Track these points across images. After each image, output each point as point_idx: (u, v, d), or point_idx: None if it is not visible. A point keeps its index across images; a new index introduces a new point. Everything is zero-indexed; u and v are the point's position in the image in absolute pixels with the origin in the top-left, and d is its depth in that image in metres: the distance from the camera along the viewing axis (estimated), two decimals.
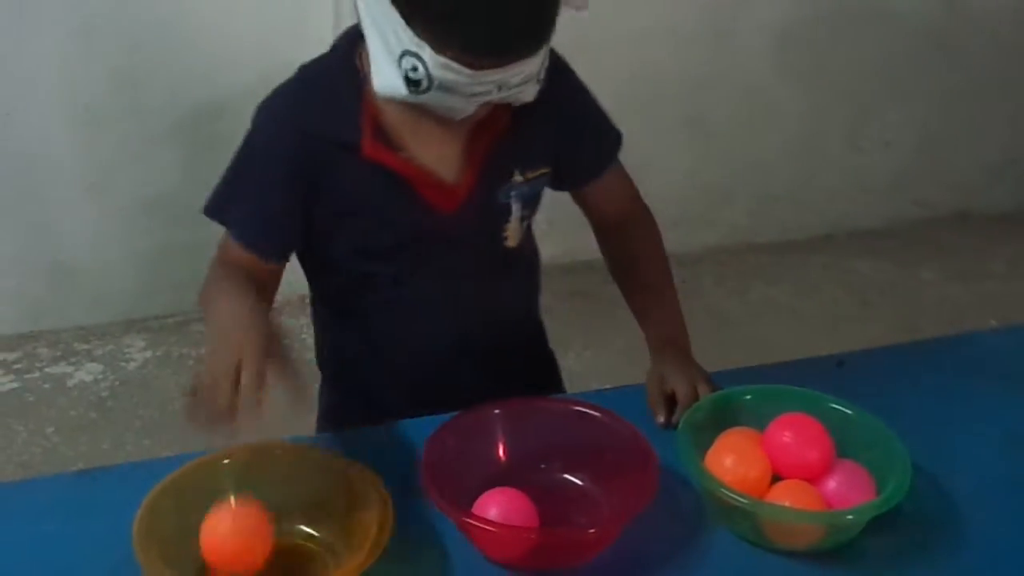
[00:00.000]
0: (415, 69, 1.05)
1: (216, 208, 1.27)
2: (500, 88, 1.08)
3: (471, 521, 1.02)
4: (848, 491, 1.07)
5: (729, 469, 1.08)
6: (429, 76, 1.05)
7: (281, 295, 3.31)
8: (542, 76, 1.12)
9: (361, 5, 1.10)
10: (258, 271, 1.26)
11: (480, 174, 1.25)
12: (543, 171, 1.31)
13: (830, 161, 3.70)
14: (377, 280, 1.31)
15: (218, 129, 2.92)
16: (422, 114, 1.14)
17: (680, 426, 1.14)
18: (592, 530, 1.06)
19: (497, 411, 1.18)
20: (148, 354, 2.91)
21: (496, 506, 1.05)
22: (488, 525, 1.02)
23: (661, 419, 1.25)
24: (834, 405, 1.18)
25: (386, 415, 1.28)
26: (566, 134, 1.32)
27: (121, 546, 0.97)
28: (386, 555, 0.97)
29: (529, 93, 1.12)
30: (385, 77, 1.09)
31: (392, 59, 1.07)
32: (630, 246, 1.45)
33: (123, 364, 2.87)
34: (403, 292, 1.32)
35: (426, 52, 1.04)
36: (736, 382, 1.26)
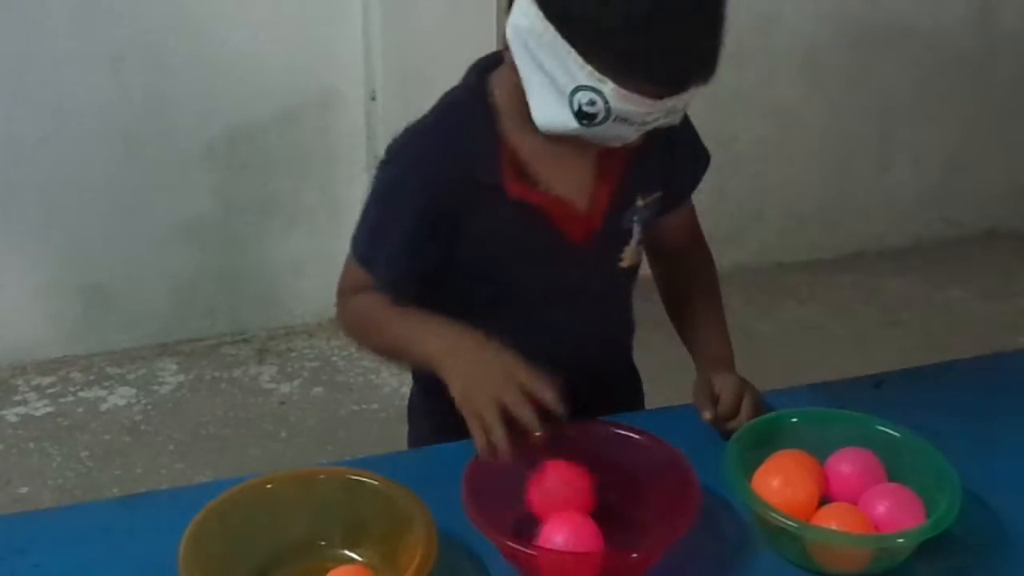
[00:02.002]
0: (592, 103, 1.06)
1: (364, 250, 1.30)
2: (668, 114, 1.11)
3: (513, 546, 1.02)
4: (898, 514, 1.06)
5: (776, 491, 1.08)
6: (608, 109, 1.06)
7: (313, 317, 3.32)
8: None
9: (518, 48, 1.11)
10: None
11: (610, 201, 1.27)
12: (658, 194, 1.33)
13: (859, 180, 3.69)
14: (502, 308, 1.30)
15: (250, 153, 2.96)
16: (559, 145, 1.16)
17: (727, 447, 1.13)
18: (635, 554, 1.05)
19: (539, 435, 1.18)
20: (181, 378, 2.93)
21: (562, 531, 1.05)
22: (529, 550, 1.02)
23: (708, 415, 1.25)
24: (881, 428, 1.17)
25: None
26: (674, 156, 1.33)
27: (165, 572, 0.97)
28: None
29: (679, 117, 1.15)
30: (551, 113, 1.10)
31: (561, 95, 1.08)
32: (688, 275, 1.46)
33: (156, 388, 2.88)
34: (526, 317, 1.31)
35: (608, 86, 1.05)
36: (773, 404, 1.26)
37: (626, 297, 1.45)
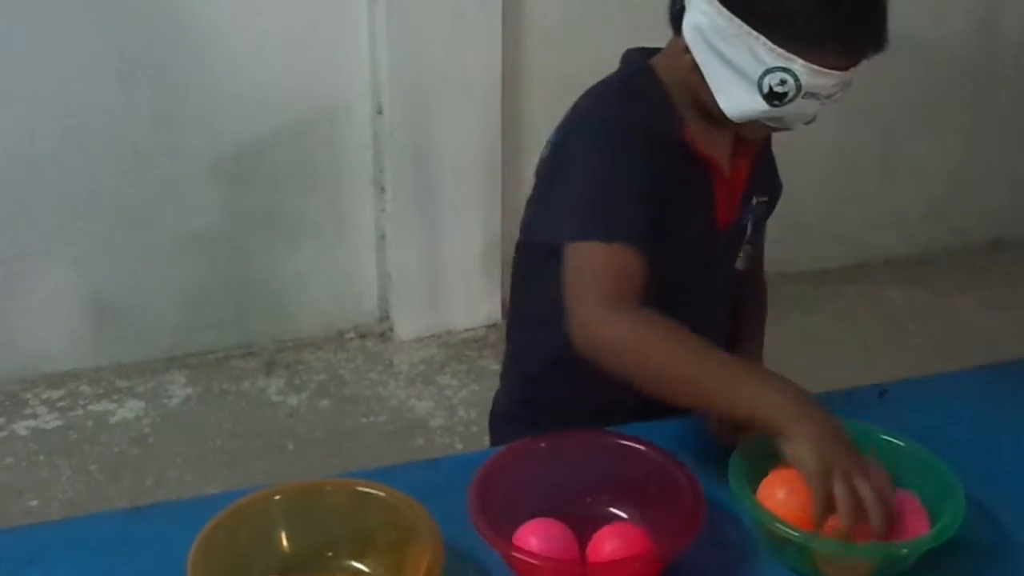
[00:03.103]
0: (783, 83, 1.14)
1: (590, 223, 1.18)
2: (844, 87, 1.18)
3: (520, 556, 1.02)
4: (903, 522, 1.06)
5: (781, 502, 1.08)
6: (798, 86, 1.14)
7: (321, 330, 3.33)
8: None
9: (700, 47, 1.18)
10: (641, 274, 1.18)
11: (743, 194, 1.34)
12: (766, 199, 1.39)
13: (864, 190, 3.70)
14: (655, 283, 1.20)
15: (257, 167, 2.97)
16: (712, 129, 1.26)
17: (732, 458, 1.14)
18: (636, 563, 1.06)
19: (543, 445, 1.18)
20: (189, 391, 2.94)
21: (534, 535, 1.05)
22: (536, 559, 1.03)
23: (712, 426, 1.26)
24: (885, 437, 1.17)
25: (563, 424, 1.23)
26: (770, 174, 1.42)
27: None
28: None
29: (846, 92, 1.21)
30: (738, 100, 1.18)
31: (748, 81, 1.15)
32: (746, 297, 1.51)
33: (165, 401, 2.90)
34: (675, 302, 1.23)
35: (797, 63, 1.13)
36: None
37: (733, 302, 1.49)
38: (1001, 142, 3.76)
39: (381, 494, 1.09)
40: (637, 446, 1.17)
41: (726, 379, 1.11)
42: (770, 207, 1.45)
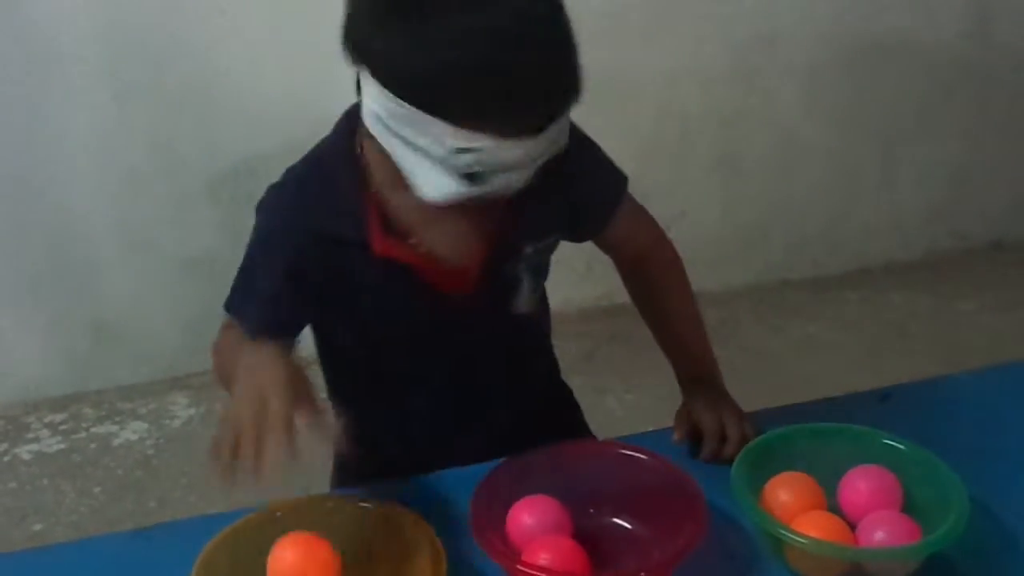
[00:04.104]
0: (474, 163, 1.00)
1: (232, 303, 1.30)
2: (551, 145, 1.04)
3: (524, 569, 1.02)
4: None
5: (785, 506, 1.08)
6: (490, 162, 1.01)
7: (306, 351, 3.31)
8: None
9: (381, 132, 1.04)
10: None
11: (490, 251, 1.22)
12: (553, 238, 1.30)
13: (864, 196, 3.70)
14: (387, 363, 1.32)
15: (254, 187, 2.94)
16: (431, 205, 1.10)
17: (735, 465, 1.14)
18: (642, 573, 1.06)
19: (545, 456, 1.18)
20: (192, 411, 2.94)
21: (545, 551, 1.05)
22: (540, 573, 1.02)
23: (700, 452, 1.26)
24: (886, 441, 1.17)
25: (398, 472, 1.27)
26: (575, 194, 1.28)
27: None
28: None
29: (562, 144, 1.08)
30: (435, 184, 1.03)
31: (438, 164, 1.02)
32: (651, 282, 1.44)
33: (167, 422, 2.89)
34: (415, 372, 1.34)
35: (482, 141, 0.99)
36: (780, 420, 1.26)
37: (532, 338, 1.45)
38: (1000, 145, 3.76)
39: (382, 509, 1.09)
40: (639, 456, 1.17)
41: (230, 364, 1.16)
42: (614, 201, 1.34)
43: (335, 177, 1.19)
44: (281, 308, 1.26)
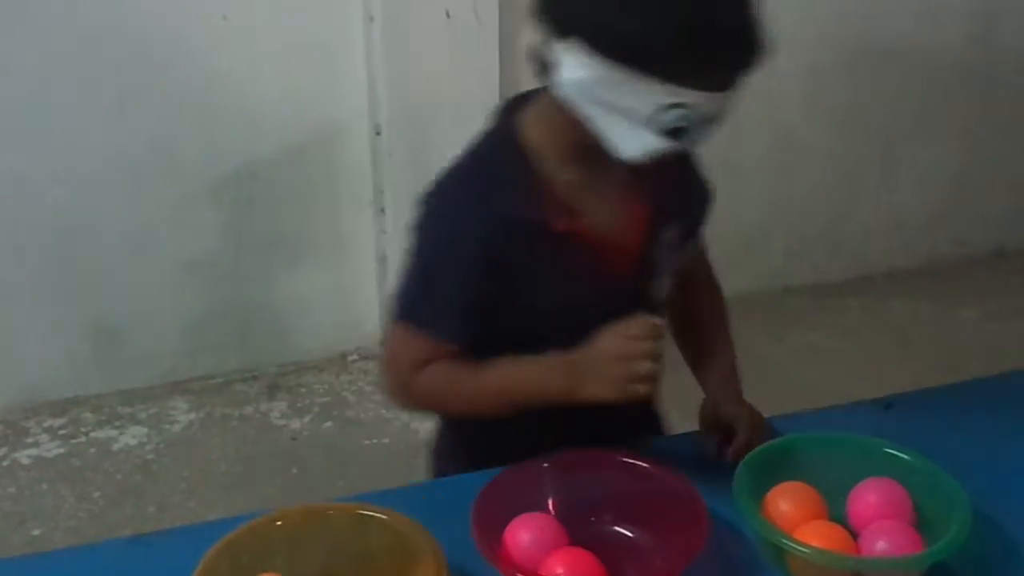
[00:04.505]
0: (679, 117, 1.09)
1: (408, 310, 1.29)
2: (732, 104, 1.14)
3: None
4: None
5: (787, 515, 1.08)
6: (695, 116, 1.10)
7: (323, 353, 3.33)
8: None
9: (583, 100, 1.13)
10: (445, 354, 1.29)
11: (645, 232, 1.30)
12: (678, 228, 1.34)
13: (865, 202, 3.70)
14: (540, 344, 1.27)
15: (256, 190, 2.97)
16: (596, 177, 1.22)
17: (737, 473, 1.13)
18: None
19: (546, 465, 1.18)
20: (192, 416, 2.93)
21: (563, 566, 1.04)
22: None
23: (718, 451, 1.27)
24: (890, 451, 1.17)
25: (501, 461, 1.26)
26: (685, 191, 1.37)
27: None
28: None
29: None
30: (635, 142, 1.12)
31: (641, 122, 1.10)
32: (697, 303, 1.48)
33: (167, 427, 2.89)
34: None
35: (688, 95, 1.08)
36: (782, 429, 1.26)
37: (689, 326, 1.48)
38: (1002, 151, 3.76)
39: (384, 517, 1.09)
40: (640, 464, 1.17)
41: (510, 386, 1.25)
42: (697, 222, 1.42)
43: (502, 164, 1.26)
44: (474, 312, 1.26)
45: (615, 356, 1.15)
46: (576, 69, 1.11)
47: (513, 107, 1.29)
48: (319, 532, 1.09)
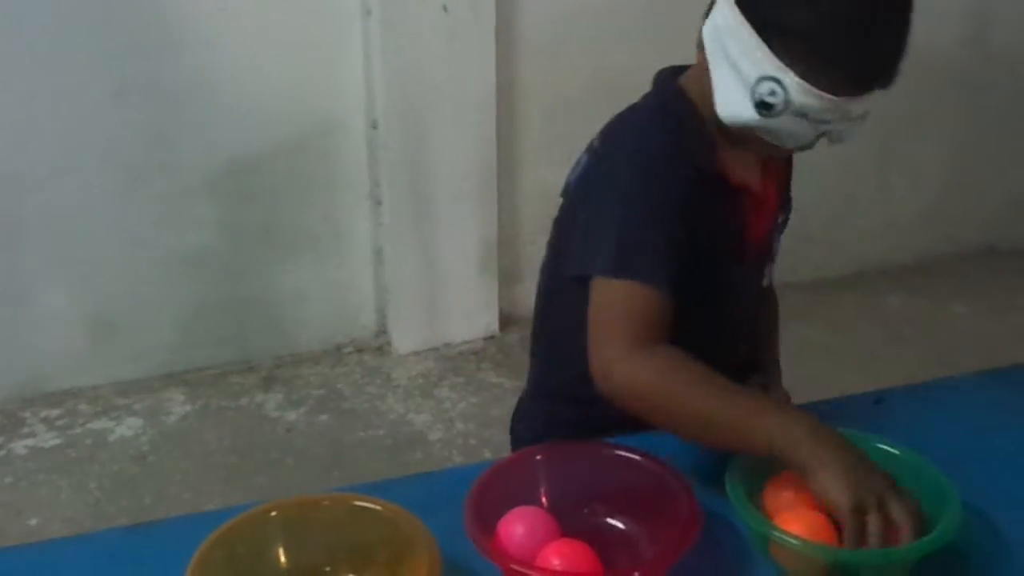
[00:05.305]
0: (773, 93, 1.11)
1: (621, 262, 1.19)
2: (842, 119, 1.14)
3: (516, 568, 1.03)
4: None
5: (787, 503, 1.09)
6: (787, 100, 1.11)
7: (318, 345, 3.33)
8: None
9: (712, 45, 1.18)
10: (667, 316, 1.19)
11: (773, 211, 1.35)
12: (786, 216, 1.41)
13: (859, 199, 3.71)
14: (696, 305, 1.23)
15: (253, 183, 2.98)
16: (744, 149, 1.24)
17: (729, 466, 1.14)
18: (636, 573, 1.06)
19: (539, 456, 1.19)
20: (188, 407, 2.94)
21: (559, 557, 1.05)
22: (532, 571, 1.03)
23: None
24: (879, 445, 1.17)
25: (599, 431, 1.25)
26: (786, 191, 1.42)
27: None
28: None
29: (853, 133, 1.18)
30: (733, 103, 1.16)
31: (744, 85, 1.14)
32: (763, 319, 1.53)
33: (163, 418, 2.90)
34: (715, 314, 1.34)
35: (789, 76, 1.10)
36: None
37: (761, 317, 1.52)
38: (995, 150, 3.77)
39: (378, 508, 1.09)
40: (633, 456, 1.17)
41: (743, 417, 1.11)
42: (786, 222, 1.47)
43: (683, 118, 1.27)
44: (677, 251, 1.20)
45: (882, 487, 1.02)
46: (719, 14, 1.17)
47: (671, 74, 1.32)
48: (314, 523, 1.10)
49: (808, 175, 3.49)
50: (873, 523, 0.99)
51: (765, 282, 1.43)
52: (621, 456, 1.18)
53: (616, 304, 1.18)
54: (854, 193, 3.69)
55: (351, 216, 3.10)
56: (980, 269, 3.80)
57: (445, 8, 2.81)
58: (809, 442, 1.05)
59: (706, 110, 1.24)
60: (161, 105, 2.81)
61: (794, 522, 1.06)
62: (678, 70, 1.33)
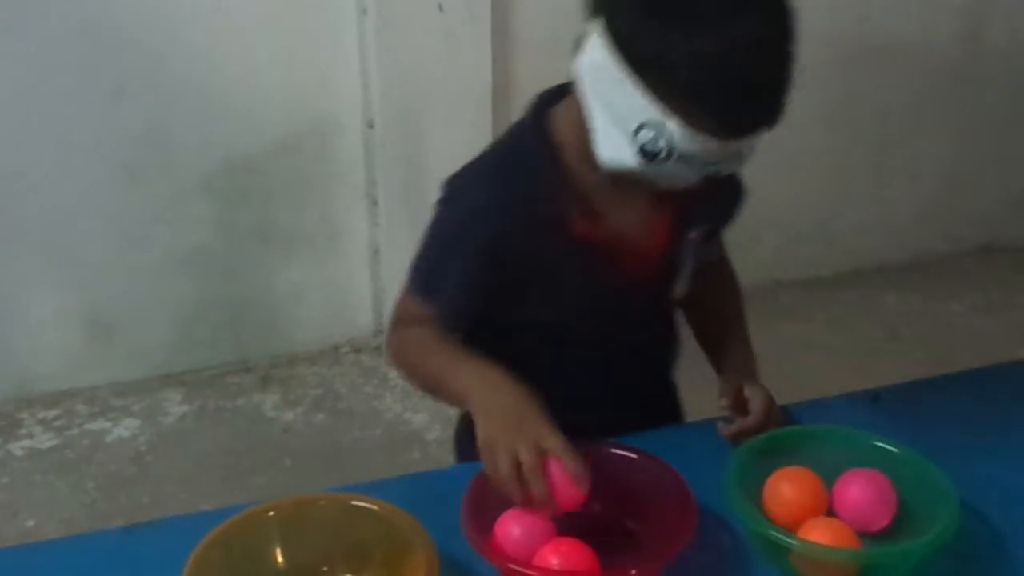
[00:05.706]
0: (655, 141, 1.05)
1: (423, 287, 1.29)
2: (731, 159, 1.10)
3: (513, 567, 1.03)
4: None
5: (786, 500, 1.09)
6: (671, 147, 1.05)
7: (315, 345, 3.33)
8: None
9: (586, 84, 1.11)
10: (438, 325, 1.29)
11: (668, 236, 1.28)
12: (707, 226, 1.35)
13: (856, 197, 3.71)
14: (556, 339, 1.31)
15: (250, 183, 2.98)
16: (621, 182, 1.16)
17: (726, 464, 1.14)
18: (633, 571, 1.06)
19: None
20: (185, 408, 2.94)
21: (558, 556, 1.05)
22: (529, 570, 1.03)
23: (733, 428, 1.27)
24: (878, 443, 1.18)
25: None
26: (717, 189, 1.31)
27: None
28: None
29: (740, 165, 1.14)
30: (614, 149, 1.09)
31: (623, 131, 1.07)
32: (712, 294, 1.48)
33: (160, 419, 2.89)
34: (577, 351, 1.34)
35: (671, 124, 1.04)
36: None
37: (674, 324, 1.47)
38: (991, 148, 3.77)
39: (375, 508, 1.10)
40: (630, 455, 1.18)
41: (448, 370, 1.22)
42: (724, 221, 1.43)
43: (531, 159, 1.23)
44: (477, 292, 1.26)
45: (520, 438, 1.07)
46: (593, 51, 1.09)
47: (549, 99, 1.26)
48: (311, 523, 1.10)
49: (803, 172, 3.53)
50: (503, 463, 1.05)
51: (677, 292, 1.36)
52: (619, 455, 1.18)
53: (401, 305, 1.32)
54: (850, 190, 3.69)
55: (348, 215, 3.09)
56: (977, 267, 3.79)
57: (441, 7, 2.81)
58: (479, 392, 1.14)
59: (576, 145, 1.18)
60: (158, 105, 2.80)
61: (814, 530, 1.07)
62: (559, 93, 1.25)
